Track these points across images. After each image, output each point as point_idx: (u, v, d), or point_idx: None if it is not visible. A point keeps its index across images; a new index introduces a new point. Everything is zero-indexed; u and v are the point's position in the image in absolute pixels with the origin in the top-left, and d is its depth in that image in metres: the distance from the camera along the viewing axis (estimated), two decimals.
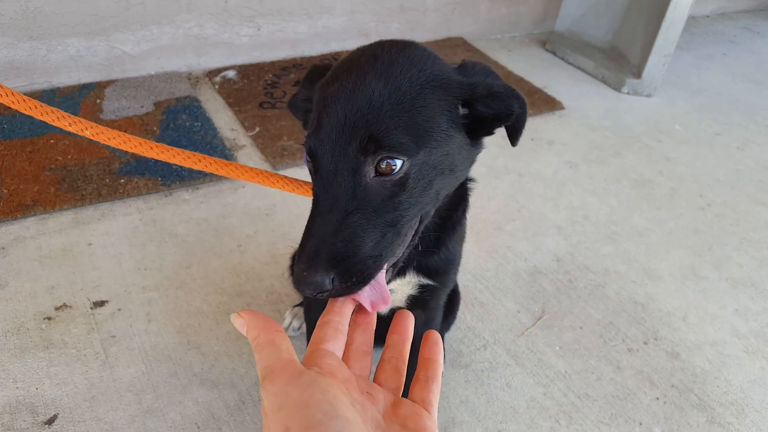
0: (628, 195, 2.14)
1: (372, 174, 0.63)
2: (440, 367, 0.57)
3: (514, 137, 0.78)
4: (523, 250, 1.83)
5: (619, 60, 2.97)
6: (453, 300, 1.39)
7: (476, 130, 0.73)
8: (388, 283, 0.67)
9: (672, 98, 2.88)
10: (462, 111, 0.71)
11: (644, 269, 1.80)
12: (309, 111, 0.82)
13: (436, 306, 1.11)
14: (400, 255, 0.70)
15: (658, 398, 1.42)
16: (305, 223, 0.66)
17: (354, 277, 0.60)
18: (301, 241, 0.64)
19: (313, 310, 1.19)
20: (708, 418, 1.39)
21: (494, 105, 0.71)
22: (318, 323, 0.55)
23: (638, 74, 2.82)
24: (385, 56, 0.68)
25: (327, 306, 0.58)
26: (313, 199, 0.66)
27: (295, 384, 0.45)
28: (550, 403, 1.39)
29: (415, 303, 1.03)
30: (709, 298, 1.72)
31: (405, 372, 0.57)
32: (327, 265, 0.60)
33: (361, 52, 0.72)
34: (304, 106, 0.85)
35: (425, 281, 0.97)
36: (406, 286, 0.98)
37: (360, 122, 0.62)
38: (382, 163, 0.63)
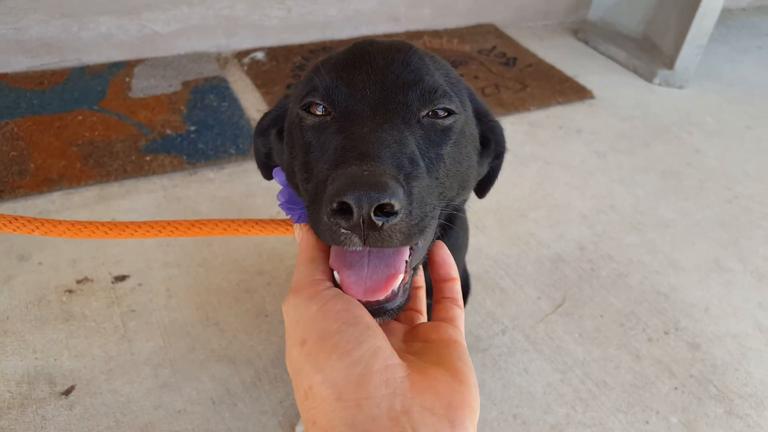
0: (655, 186, 2.10)
1: (425, 113, 0.59)
2: (458, 285, 0.54)
3: (486, 187, 0.77)
4: (546, 238, 1.81)
5: (651, 50, 2.91)
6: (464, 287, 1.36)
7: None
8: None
9: (704, 90, 2.81)
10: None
11: (668, 260, 1.77)
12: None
13: None
14: (424, 252, 0.58)
15: (676, 388, 1.40)
16: None
17: (417, 217, 0.48)
18: (343, 147, 0.51)
19: None
20: (726, 410, 1.37)
21: (490, 134, 0.71)
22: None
23: (670, 65, 2.76)
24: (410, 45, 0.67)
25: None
26: (341, 126, 0.56)
27: (316, 298, 0.45)
28: (567, 390, 1.38)
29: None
30: (732, 291, 1.69)
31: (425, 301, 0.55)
32: (397, 173, 0.47)
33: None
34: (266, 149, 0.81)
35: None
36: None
37: (416, 75, 0.60)
38: (438, 110, 0.60)
